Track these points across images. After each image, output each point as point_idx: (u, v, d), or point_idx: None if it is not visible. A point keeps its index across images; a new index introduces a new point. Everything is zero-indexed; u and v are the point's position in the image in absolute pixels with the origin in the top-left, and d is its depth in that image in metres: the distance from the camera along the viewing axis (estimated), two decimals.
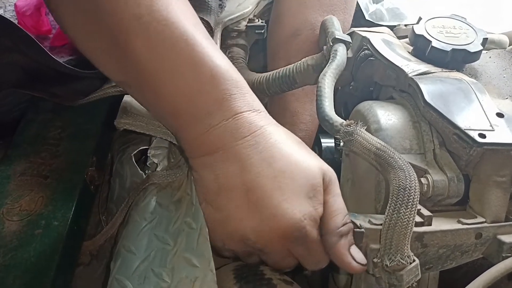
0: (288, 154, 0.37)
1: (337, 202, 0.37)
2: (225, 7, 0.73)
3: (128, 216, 0.43)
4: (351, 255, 0.35)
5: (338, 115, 0.50)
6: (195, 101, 0.36)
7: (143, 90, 0.39)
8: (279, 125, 0.40)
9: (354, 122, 0.40)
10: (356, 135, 0.39)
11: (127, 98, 0.46)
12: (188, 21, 0.37)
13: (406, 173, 0.34)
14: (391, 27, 0.76)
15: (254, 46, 0.76)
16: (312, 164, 0.37)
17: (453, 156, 0.40)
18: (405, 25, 0.75)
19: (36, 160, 0.57)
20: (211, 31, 0.64)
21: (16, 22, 0.94)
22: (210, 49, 0.37)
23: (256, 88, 0.60)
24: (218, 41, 0.67)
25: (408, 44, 0.55)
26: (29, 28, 0.93)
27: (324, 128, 0.44)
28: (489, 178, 0.38)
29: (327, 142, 0.62)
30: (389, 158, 0.36)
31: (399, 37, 0.74)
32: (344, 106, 0.58)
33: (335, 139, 0.59)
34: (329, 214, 0.36)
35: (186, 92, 0.36)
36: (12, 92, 0.64)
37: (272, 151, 0.36)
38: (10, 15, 0.98)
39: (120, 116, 0.43)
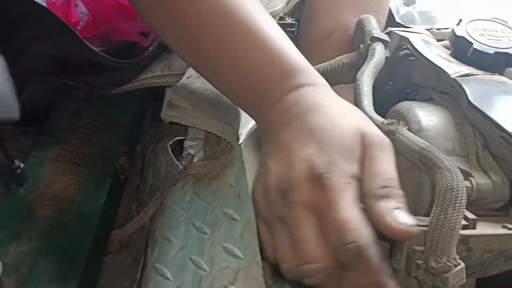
0: (331, 113, 0.37)
1: (376, 165, 0.33)
2: None
3: (165, 205, 0.43)
4: (394, 217, 0.30)
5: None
6: (264, 75, 0.40)
7: (217, 70, 0.42)
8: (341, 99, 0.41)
9: (396, 121, 0.39)
10: (398, 135, 0.38)
11: (170, 91, 0.46)
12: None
13: (453, 173, 0.34)
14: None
15: None
16: (349, 123, 0.36)
17: (497, 159, 0.39)
18: (437, 29, 0.74)
19: (67, 147, 0.57)
20: None
21: None
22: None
23: None
24: None
25: (444, 47, 0.54)
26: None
27: None
28: None
29: None
30: (435, 158, 0.35)
31: None
32: (379, 106, 0.58)
33: None
34: (365, 176, 0.33)
35: (261, 65, 0.40)
36: (42, 80, 0.65)
37: (317, 109, 0.37)
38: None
39: (166, 109, 0.43)
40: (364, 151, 0.34)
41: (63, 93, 0.66)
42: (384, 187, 0.32)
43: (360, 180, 0.33)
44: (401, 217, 0.30)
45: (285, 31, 0.72)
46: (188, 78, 0.50)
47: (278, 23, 0.73)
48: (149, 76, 0.56)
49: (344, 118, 0.36)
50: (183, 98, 0.45)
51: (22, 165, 0.43)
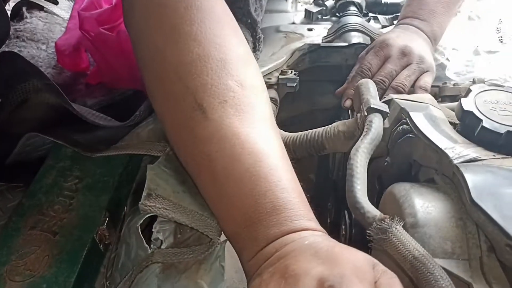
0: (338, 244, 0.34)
1: None
2: (258, 58, 0.70)
3: None
4: None
5: (370, 189, 0.44)
6: (253, 230, 0.37)
7: (212, 208, 0.42)
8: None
9: (390, 218, 0.35)
10: (391, 235, 0.33)
11: (152, 175, 0.43)
12: (253, 156, 0.39)
13: None
14: (435, 86, 0.70)
15: (285, 95, 0.73)
16: (358, 252, 0.33)
17: (504, 267, 0.34)
18: (453, 85, 0.69)
19: (48, 212, 0.55)
20: None
21: (55, 59, 0.96)
22: (274, 181, 0.38)
23: None
24: None
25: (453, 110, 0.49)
26: (68, 66, 0.95)
27: (353, 215, 0.39)
28: None
29: None
30: (428, 274, 0.30)
31: (444, 97, 0.68)
32: (378, 179, 0.53)
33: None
34: None
35: (246, 221, 0.37)
36: (35, 136, 0.64)
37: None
38: (52, 50, 1.00)
39: (145, 198, 0.40)
40: (378, 277, 0.31)
41: (53, 149, 0.65)
42: None
43: None
44: None
45: (286, 87, 0.70)
46: (172, 151, 0.47)
47: (280, 78, 0.70)
48: (134, 142, 0.53)
49: (352, 249, 0.34)
50: (165, 182, 0.42)
51: None
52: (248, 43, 0.71)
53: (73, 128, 0.65)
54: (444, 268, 0.34)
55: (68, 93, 0.66)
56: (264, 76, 0.68)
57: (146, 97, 0.80)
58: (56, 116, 0.72)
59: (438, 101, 0.66)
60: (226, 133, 0.39)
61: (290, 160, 0.51)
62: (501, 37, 0.75)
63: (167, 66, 0.44)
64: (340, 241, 0.63)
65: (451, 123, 0.47)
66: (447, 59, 0.75)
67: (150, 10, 0.45)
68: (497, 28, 0.77)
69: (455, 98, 0.70)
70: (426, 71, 0.64)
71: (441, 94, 0.69)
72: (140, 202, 0.39)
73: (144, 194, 0.40)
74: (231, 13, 0.49)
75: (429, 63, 0.65)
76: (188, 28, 0.42)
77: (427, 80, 0.63)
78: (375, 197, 0.52)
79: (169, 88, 0.43)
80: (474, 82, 0.66)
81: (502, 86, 0.55)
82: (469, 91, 0.45)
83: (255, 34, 0.72)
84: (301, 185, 0.40)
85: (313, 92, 0.81)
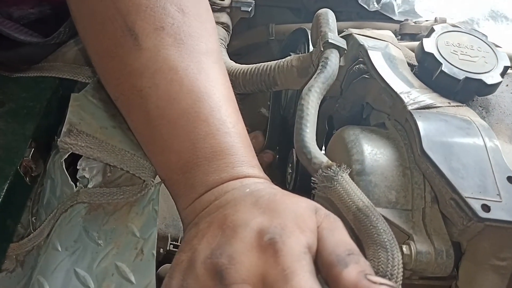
0: (280, 191, 0.32)
1: (337, 235, 0.29)
2: None
3: (49, 240, 0.36)
4: (371, 279, 0.25)
5: (320, 129, 0.41)
6: (190, 176, 0.33)
7: (145, 150, 0.37)
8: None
9: (337, 165, 0.33)
10: (336, 183, 0.31)
11: (75, 106, 0.38)
12: (192, 95, 0.34)
13: (389, 254, 0.27)
14: (398, 22, 0.67)
15: (239, 22, 0.67)
16: (301, 198, 0.31)
17: (446, 220, 0.33)
18: (414, 22, 0.66)
19: None
20: None
21: None
22: (216, 124, 0.34)
23: (232, 82, 0.51)
24: None
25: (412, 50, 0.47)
26: None
27: (300, 159, 0.36)
28: (486, 260, 0.31)
29: None
30: (371, 227, 0.29)
31: (403, 35, 0.65)
32: (329, 119, 0.50)
33: None
34: (326, 246, 0.28)
35: (182, 166, 0.33)
36: None
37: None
38: None
39: (65, 135, 0.35)
40: (321, 222, 0.29)
41: None
42: (351, 253, 0.27)
43: (318, 251, 0.28)
44: (376, 279, 0.25)
45: (240, 11, 0.63)
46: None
47: (233, 1, 0.63)
48: (58, 64, 0.46)
49: (294, 196, 0.31)
50: (91, 115, 0.37)
51: None
52: None
53: None
54: (386, 218, 0.33)
55: None
56: None
57: None
58: None
59: (397, 39, 0.64)
60: (162, 66, 0.34)
61: (240, 94, 0.47)
62: None
63: None
64: (286, 179, 0.62)
65: (408, 64, 0.44)
66: None
67: None
68: None
69: (415, 36, 0.68)
70: None
71: (401, 31, 0.66)
72: (59, 139, 0.34)
73: (64, 129, 0.35)
74: None
75: None
76: None
77: None
78: (323, 138, 0.50)
79: (95, 7, 0.36)
80: (436, 21, 0.63)
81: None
82: (432, 30, 0.42)
83: None
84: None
85: (271, 19, 0.75)
